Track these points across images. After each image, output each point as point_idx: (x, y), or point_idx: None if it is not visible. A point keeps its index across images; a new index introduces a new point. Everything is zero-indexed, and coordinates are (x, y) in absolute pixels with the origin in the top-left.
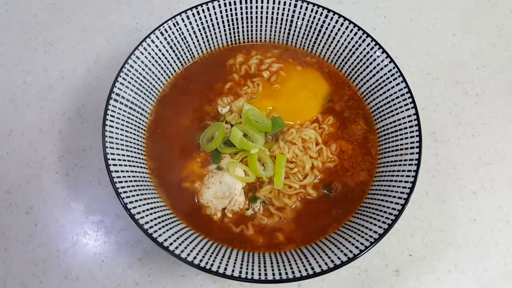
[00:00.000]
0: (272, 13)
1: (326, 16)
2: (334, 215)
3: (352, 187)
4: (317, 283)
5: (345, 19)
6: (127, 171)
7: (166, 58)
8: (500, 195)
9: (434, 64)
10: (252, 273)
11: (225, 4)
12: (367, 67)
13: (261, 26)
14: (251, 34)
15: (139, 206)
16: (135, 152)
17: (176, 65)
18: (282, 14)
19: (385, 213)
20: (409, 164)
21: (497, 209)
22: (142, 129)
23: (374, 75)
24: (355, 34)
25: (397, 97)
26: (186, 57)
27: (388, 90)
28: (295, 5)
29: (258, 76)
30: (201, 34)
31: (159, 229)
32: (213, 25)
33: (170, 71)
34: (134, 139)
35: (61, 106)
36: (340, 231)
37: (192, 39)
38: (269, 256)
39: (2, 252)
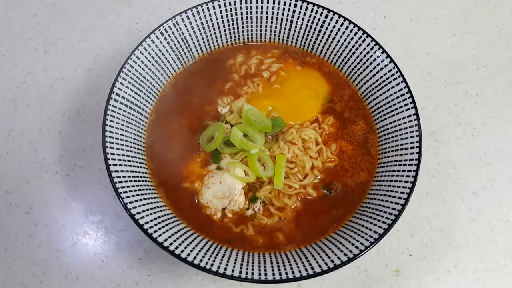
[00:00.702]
0: (272, 13)
1: (326, 16)
2: (334, 215)
3: (352, 187)
4: (317, 283)
5: (345, 19)
6: (127, 171)
7: (166, 58)
8: (500, 195)
9: (434, 64)
10: (252, 273)
11: (225, 4)
12: (367, 67)
13: (261, 26)
14: (251, 34)
15: (139, 206)
16: (135, 152)
17: (176, 65)
18: (282, 14)
19: (385, 213)
20: (409, 164)
21: (497, 209)
22: (142, 129)
23: (374, 75)
24: (355, 34)
25: (397, 97)
26: (186, 57)
27: (388, 90)
28: (295, 5)
29: (258, 76)
30: (201, 34)
31: (159, 229)
32: (213, 25)
33: (170, 71)
34: (134, 139)
35: (61, 106)
36: (340, 231)
37: (192, 39)
38: (269, 256)
39: (2, 252)
